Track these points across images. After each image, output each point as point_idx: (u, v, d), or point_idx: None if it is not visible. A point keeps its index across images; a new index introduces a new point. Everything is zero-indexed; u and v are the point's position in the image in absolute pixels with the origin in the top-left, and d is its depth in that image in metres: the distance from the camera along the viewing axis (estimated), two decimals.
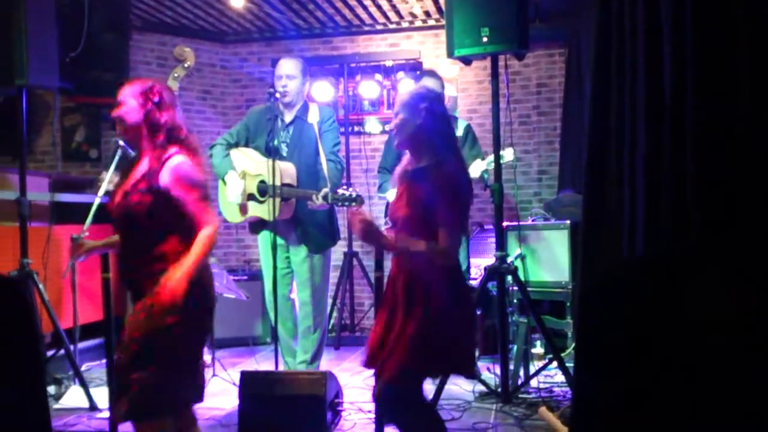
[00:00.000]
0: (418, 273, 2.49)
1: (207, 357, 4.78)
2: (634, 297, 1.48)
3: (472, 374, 2.73)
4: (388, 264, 2.71)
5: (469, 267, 4.70)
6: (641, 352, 1.45)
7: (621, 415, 1.44)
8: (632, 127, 2.33)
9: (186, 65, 4.85)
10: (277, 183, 3.89)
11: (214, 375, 4.06)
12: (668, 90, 2.13)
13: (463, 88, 6.45)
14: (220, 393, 4.03)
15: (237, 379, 3.44)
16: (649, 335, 1.45)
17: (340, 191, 3.65)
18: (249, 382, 3.34)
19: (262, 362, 4.86)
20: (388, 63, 6.48)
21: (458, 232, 2.59)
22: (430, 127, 2.52)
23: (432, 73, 4.77)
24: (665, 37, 2.18)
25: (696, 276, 1.44)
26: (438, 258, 2.46)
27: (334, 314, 5.83)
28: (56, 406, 3.94)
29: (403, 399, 2.54)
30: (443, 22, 4.78)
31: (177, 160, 2.56)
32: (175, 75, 4.85)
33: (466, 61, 4.09)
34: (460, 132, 4.64)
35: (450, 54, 3.88)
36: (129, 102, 2.61)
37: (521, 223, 4.69)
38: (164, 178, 2.51)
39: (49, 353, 4.31)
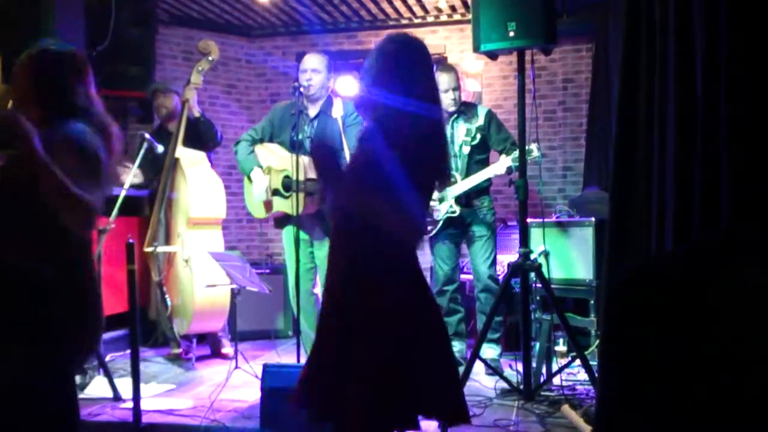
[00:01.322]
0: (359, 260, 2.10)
1: (230, 349, 4.82)
2: (662, 294, 1.46)
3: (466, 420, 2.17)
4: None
5: (495, 263, 4.67)
6: (668, 351, 1.43)
7: (646, 414, 1.42)
8: (661, 122, 2.29)
9: (210, 59, 4.88)
10: (302, 178, 3.90)
11: (236, 367, 4.08)
12: (700, 83, 2.09)
13: (488, 83, 6.41)
14: (242, 385, 4.05)
15: (259, 371, 3.45)
16: (677, 333, 1.42)
17: None
18: (270, 375, 3.35)
19: (283, 355, 4.88)
20: None
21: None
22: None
23: (445, 67, 4.72)
24: (697, 29, 2.14)
25: (726, 273, 1.41)
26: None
27: None
28: (81, 395, 3.99)
29: None
30: (469, 16, 4.74)
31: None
32: (200, 68, 4.88)
33: (493, 55, 4.05)
34: (481, 120, 4.59)
35: (476, 49, 3.85)
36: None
37: (545, 219, 4.65)
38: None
39: None
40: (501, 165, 4.40)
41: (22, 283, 2.00)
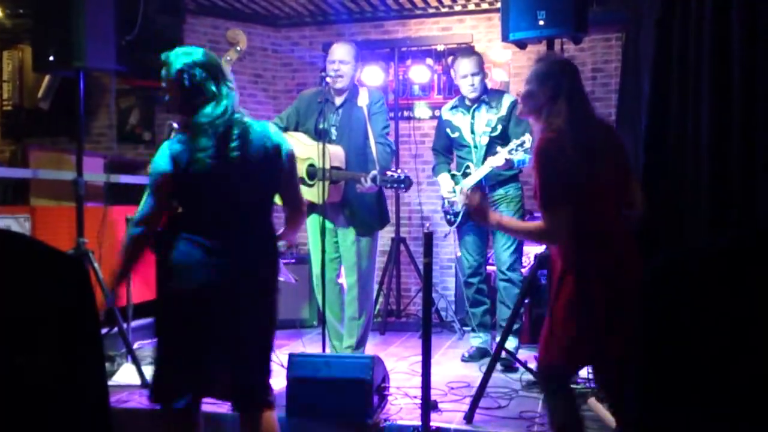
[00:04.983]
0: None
1: None
2: (696, 288, 1.43)
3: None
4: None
5: (521, 255, 4.61)
6: (704, 343, 1.40)
7: (682, 407, 1.40)
8: (695, 110, 2.24)
9: (238, 48, 4.87)
10: (326, 166, 3.90)
11: None
12: (737, 77, 2.05)
13: (516, 72, 6.34)
14: None
15: (284, 360, 3.47)
16: (712, 325, 1.40)
17: (389, 173, 3.66)
18: (296, 365, 3.37)
19: (309, 345, 4.89)
20: (440, 47, 6.41)
21: (552, 208, 2.35)
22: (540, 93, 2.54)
23: (464, 53, 4.64)
24: (735, 28, 2.10)
25: (763, 268, 1.38)
26: (539, 240, 2.53)
27: (380, 299, 5.83)
28: (109, 382, 4.04)
29: None
30: (497, 5, 4.69)
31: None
32: (227, 58, 4.87)
33: (521, 45, 4.00)
34: (504, 110, 4.44)
35: (505, 38, 3.81)
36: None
37: None
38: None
39: (103, 331, 4.41)
40: (499, 157, 4.21)
41: None
